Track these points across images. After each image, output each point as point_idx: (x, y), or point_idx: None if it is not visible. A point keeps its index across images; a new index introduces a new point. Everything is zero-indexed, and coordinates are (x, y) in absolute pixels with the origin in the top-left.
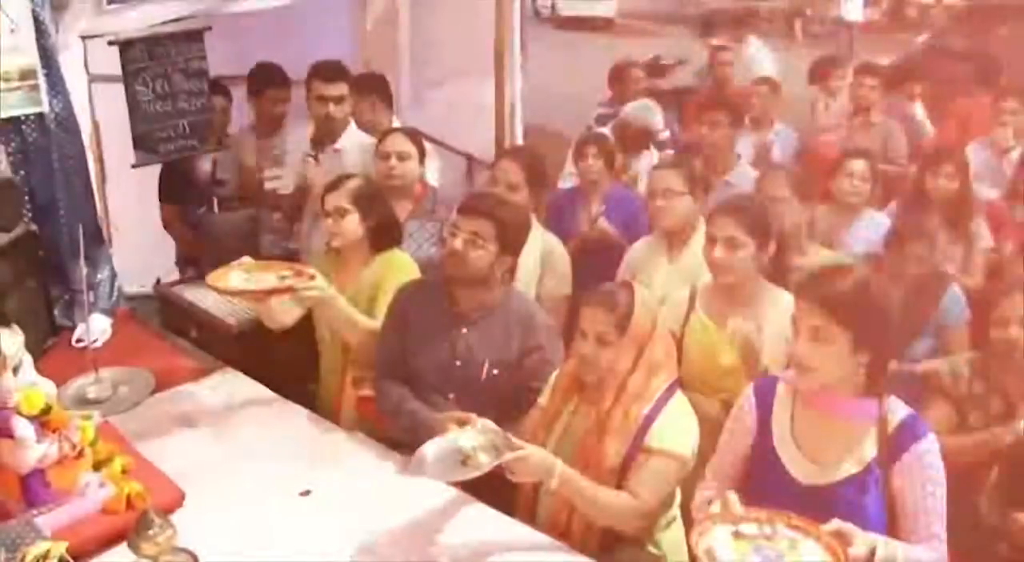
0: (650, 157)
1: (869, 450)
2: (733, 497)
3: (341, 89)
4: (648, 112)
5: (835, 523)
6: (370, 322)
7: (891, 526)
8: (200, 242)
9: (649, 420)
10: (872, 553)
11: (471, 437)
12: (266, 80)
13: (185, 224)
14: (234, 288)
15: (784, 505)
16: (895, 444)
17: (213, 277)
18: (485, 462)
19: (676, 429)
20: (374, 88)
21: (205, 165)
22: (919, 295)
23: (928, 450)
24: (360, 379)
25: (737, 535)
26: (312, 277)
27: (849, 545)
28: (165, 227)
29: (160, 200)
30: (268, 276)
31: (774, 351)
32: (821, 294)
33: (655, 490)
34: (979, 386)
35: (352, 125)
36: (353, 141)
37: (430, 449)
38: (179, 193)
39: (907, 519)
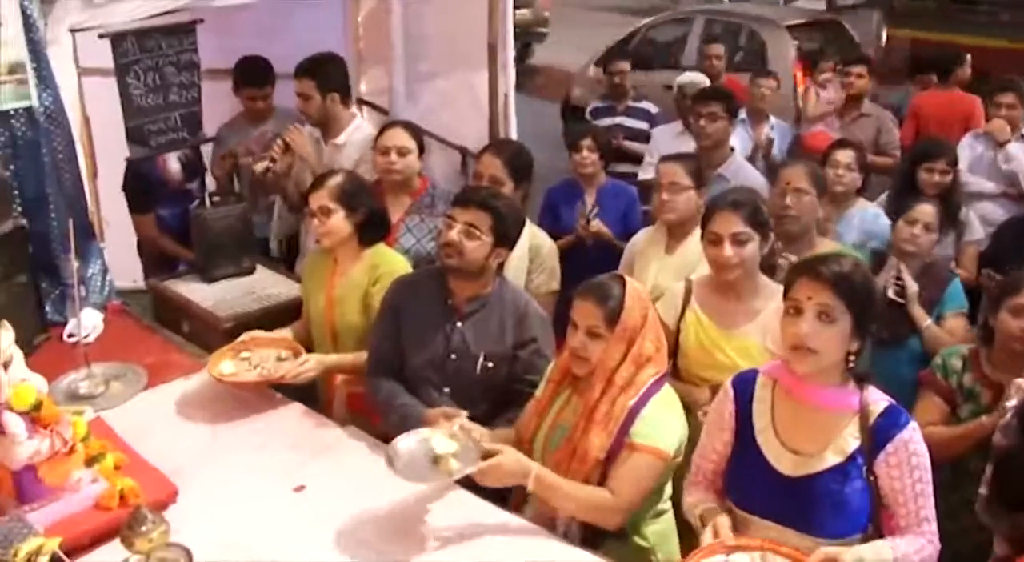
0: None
1: (851, 440)
2: (724, 522)
3: (302, 86)
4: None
5: (820, 552)
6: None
7: (877, 514)
8: (185, 243)
9: (634, 412)
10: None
11: (445, 442)
12: (242, 78)
13: (163, 232)
14: (226, 377)
15: (769, 497)
16: (878, 434)
17: (211, 362)
18: (456, 469)
19: (660, 425)
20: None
21: (174, 164)
22: (928, 280)
23: (911, 438)
24: (351, 375)
25: None
26: (298, 353)
27: None
28: (144, 241)
29: (132, 211)
30: (269, 353)
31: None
32: (833, 274)
33: (635, 486)
34: (970, 378)
35: (358, 119)
36: (357, 136)
37: (402, 445)
38: (153, 199)
39: (898, 507)
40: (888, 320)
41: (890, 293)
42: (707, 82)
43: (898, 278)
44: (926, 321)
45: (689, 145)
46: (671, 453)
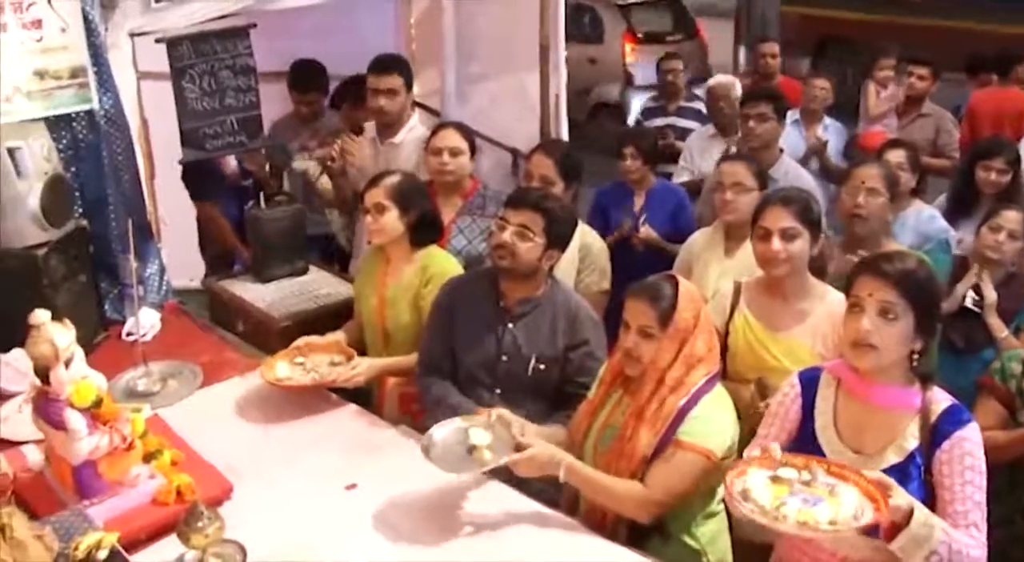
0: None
1: (912, 440)
2: (774, 444)
3: (392, 82)
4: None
5: (876, 473)
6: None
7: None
8: (243, 238)
9: (683, 412)
10: (911, 509)
11: (481, 433)
12: (291, 81)
13: (225, 218)
14: (280, 381)
15: None
16: (938, 432)
17: (265, 366)
18: (489, 460)
19: (709, 425)
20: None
21: (231, 161)
22: (1011, 290)
23: (969, 437)
24: (403, 376)
25: (775, 479)
26: (350, 357)
27: (888, 495)
28: (206, 224)
29: (193, 198)
30: (322, 359)
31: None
32: (896, 271)
33: (670, 481)
34: None
35: (414, 118)
36: (412, 135)
37: (438, 434)
38: (212, 190)
39: (945, 506)
40: (964, 329)
41: (967, 302)
42: (738, 84)
43: (976, 286)
44: (1003, 332)
45: (721, 147)
46: (718, 454)
